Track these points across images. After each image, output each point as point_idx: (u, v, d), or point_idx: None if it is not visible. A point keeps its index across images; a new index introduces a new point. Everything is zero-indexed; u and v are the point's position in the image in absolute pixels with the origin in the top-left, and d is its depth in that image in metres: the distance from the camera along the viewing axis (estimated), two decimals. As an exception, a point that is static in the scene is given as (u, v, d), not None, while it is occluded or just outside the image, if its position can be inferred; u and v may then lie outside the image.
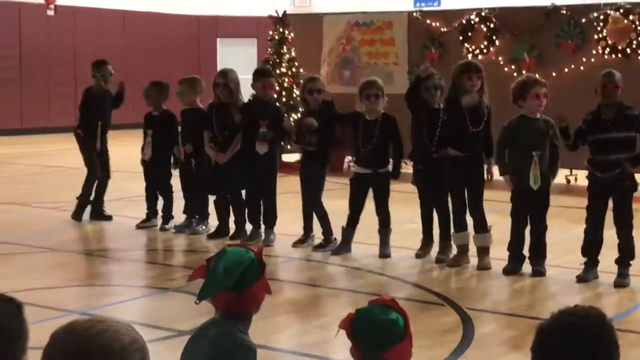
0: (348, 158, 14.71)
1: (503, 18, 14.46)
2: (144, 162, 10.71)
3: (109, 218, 11.00)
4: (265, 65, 14.40)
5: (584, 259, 8.24)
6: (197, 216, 10.35)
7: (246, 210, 9.91)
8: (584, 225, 8.23)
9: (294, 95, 15.68)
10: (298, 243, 9.61)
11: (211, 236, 10.01)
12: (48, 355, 2.22)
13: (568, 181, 13.97)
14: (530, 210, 8.45)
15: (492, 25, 14.50)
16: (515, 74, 12.66)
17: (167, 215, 10.57)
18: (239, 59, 23.52)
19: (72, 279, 8.47)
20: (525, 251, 8.53)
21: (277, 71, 15.43)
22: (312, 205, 9.53)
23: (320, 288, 8.19)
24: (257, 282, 3.36)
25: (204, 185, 10.16)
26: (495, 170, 8.81)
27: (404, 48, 15.49)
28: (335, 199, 9.89)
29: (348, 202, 9.36)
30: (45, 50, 23.43)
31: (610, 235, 8.19)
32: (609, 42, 13.54)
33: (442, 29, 15.10)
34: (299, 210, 9.76)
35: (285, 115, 10.87)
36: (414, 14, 15.65)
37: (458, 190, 8.79)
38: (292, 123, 9.38)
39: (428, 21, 15.28)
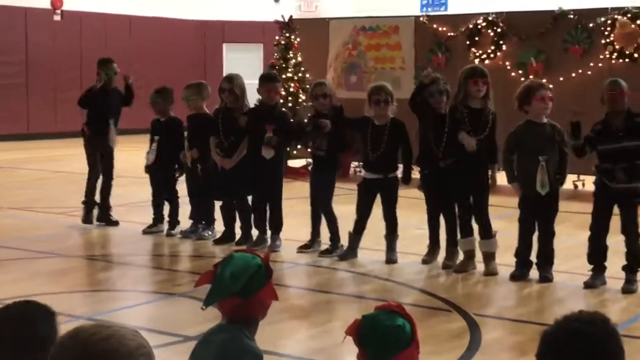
0: (354, 163, 14.70)
1: (510, 22, 14.45)
2: (147, 169, 10.71)
3: (116, 223, 11.00)
4: (271, 70, 14.39)
5: (590, 265, 8.22)
6: (203, 222, 10.34)
7: (252, 216, 9.90)
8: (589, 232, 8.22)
9: (300, 100, 15.69)
10: (303, 248, 9.59)
11: (217, 242, 10.00)
12: (54, 361, 2.21)
13: (575, 186, 13.94)
14: (538, 216, 8.43)
15: (499, 30, 14.49)
16: (522, 79, 12.63)
17: (174, 221, 10.56)
18: (245, 64, 23.53)
19: (78, 284, 8.47)
20: (533, 257, 8.50)
21: (284, 76, 15.42)
22: (323, 211, 9.52)
23: (326, 294, 8.17)
24: (263, 288, 3.35)
25: (210, 190, 10.15)
26: (499, 176, 8.80)
27: (411, 53, 15.48)
28: (342, 205, 9.87)
29: (355, 208, 9.34)
30: (52, 55, 23.46)
31: (617, 241, 8.17)
32: (617, 46, 13.51)
33: (448, 34, 15.08)
34: (305, 216, 9.75)
35: (292, 120, 10.84)
36: (421, 19, 15.65)
37: (464, 196, 8.77)
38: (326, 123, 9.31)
39: (435, 26, 15.27)
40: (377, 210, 9.30)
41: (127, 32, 25.20)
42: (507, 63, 14.36)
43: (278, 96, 10.29)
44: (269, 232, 9.83)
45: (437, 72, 9.88)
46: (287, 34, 16.36)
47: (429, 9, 22.50)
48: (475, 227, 8.82)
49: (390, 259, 9.15)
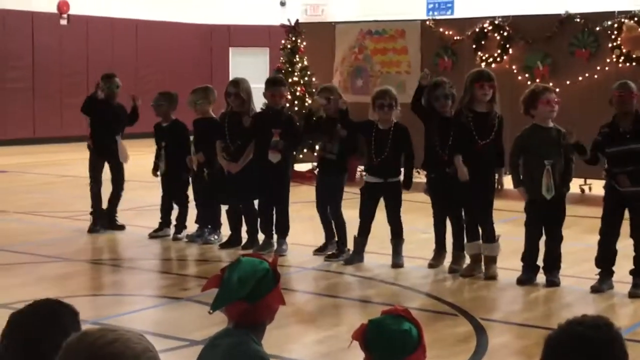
0: (360, 167, 14.69)
1: (517, 26, 14.43)
2: (156, 172, 10.71)
3: (122, 227, 11.00)
4: (277, 74, 14.39)
5: (598, 269, 8.20)
6: (209, 226, 10.34)
7: (259, 220, 9.90)
8: (598, 236, 8.19)
9: (306, 104, 15.69)
10: (319, 251, 9.59)
11: (223, 246, 10.00)
12: (61, 365, 2.21)
13: (582, 191, 13.91)
14: (545, 220, 8.41)
15: (505, 34, 14.47)
16: (528, 83, 12.62)
17: (181, 225, 10.56)
18: (251, 68, 23.56)
19: (85, 288, 8.48)
20: (540, 261, 8.48)
21: (290, 80, 15.42)
22: (333, 215, 9.51)
23: (333, 298, 8.17)
24: (271, 293, 3.34)
25: (216, 194, 10.15)
26: (506, 180, 8.79)
27: (417, 57, 15.47)
28: (347, 209, 9.84)
29: (359, 212, 9.33)
30: (58, 60, 23.51)
31: (625, 245, 8.14)
32: (623, 50, 13.49)
33: (455, 37, 15.07)
34: (311, 220, 9.74)
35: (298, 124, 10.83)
36: (427, 23, 15.64)
37: (470, 200, 8.75)
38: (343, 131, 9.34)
39: (441, 29, 15.26)
40: (382, 214, 9.29)
41: (134, 36, 25.23)
42: (514, 67, 14.35)
43: (284, 100, 10.29)
44: (275, 237, 9.82)
45: (444, 76, 9.88)
46: (294, 38, 16.37)
47: (435, 13, 22.51)
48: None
49: (397, 263, 9.14)
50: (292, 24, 16.52)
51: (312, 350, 6.71)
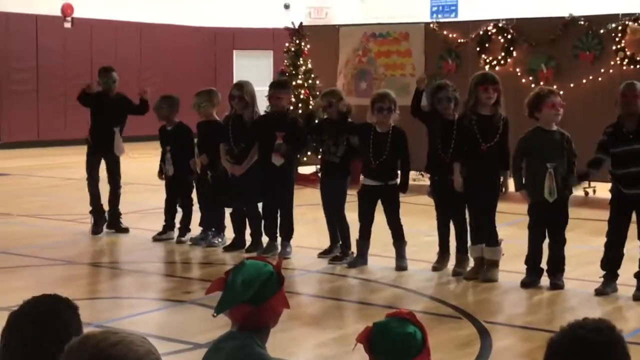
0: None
1: (520, 29, 14.42)
2: (162, 176, 10.71)
3: (126, 230, 11.00)
4: (281, 77, 14.39)
5: (602, 272, 8.18)
6: (213, 229, 10.34)
7: (263, 223, 9.89)
8: (604, 238, 8.18)
9: (310, 107, 15.69)
10: (324, 254, 9.59)
11: (227, 249, 10.00)
12: (63, 367, 2.21)
13: (586, 193, 13.91)
14: (548, 223, 8.40)
15: (509, 36, 14.46)
16: (532, 85, 12.60)
17: (185, 228, 10.56)
18: (255, 71, 23.58)
19: (88, 291, 8.48)
20: (543, 264, 8.47)
21: (294, 83, 15.43)
22: (336, 218, 9.51)
23: (337, 301, 8.16)
24: (275, 296, 3.34)
25: (220, 197, 10.15)
26: (511, 183, 8.77)
27: (421, 59, 15.46)
28: (349, 211, 9.83)
29: (357, 215, 9.33)
30: (62, 63, 23.54)
31: (629, 247, 8.13)
32: (627, 53, 13.47)
33: (459, 40, 15.06)
34: (315, 223, 9.74)
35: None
36: (431, 25, 15.62)
37: (474, 203, 8.74)
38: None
39: (445, 32, 15.25)
40: (383, 217, 9.27)
41: (138, 39, 25.26)
42: (518, 69, 14.34)
43: (286, 103, 10.28)
44: (279, 239, 9.82)
45: (448, 78, 9.86)
46: (297, 41, 16.37)
47: (439, 16, 22.53)
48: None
49: (400, 266, 9.13)
50: (296, 26, 16.51)
51: (316, 353, 6.71)
